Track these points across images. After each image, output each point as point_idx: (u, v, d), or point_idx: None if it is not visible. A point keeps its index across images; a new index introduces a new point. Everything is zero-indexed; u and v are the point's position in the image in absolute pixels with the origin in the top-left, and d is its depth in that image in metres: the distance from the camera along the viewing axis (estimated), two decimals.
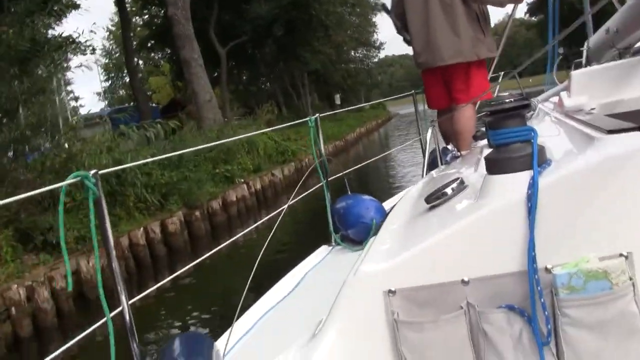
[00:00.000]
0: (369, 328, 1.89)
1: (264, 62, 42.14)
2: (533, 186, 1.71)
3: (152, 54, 49.16)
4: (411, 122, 54.17)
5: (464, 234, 1.82)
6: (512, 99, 1.88)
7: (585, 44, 6.51)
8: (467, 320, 1.77)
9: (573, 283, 1.64)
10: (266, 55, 41.55)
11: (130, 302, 2.19)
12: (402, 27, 5.37)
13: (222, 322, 3.84)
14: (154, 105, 61.24)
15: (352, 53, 75.08)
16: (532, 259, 1.68)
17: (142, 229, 13.34)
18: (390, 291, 1.84)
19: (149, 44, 38.85)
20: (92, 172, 2.00)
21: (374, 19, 79.34)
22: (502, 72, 7.17)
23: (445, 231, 1.87)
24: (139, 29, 44.30)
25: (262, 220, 4.41)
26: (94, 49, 31.76)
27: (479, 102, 5.48)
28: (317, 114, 4.26)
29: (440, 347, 1.79)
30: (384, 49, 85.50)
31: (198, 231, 15.88)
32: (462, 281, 1.77)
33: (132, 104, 66.90)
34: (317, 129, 4.14)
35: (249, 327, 2.82)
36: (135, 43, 38.02)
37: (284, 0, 35.78)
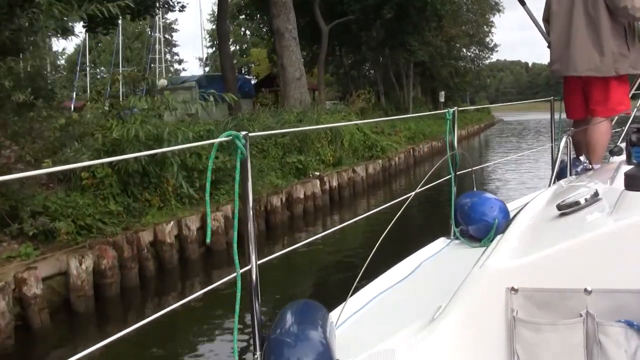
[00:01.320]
0: (488, 321, 1.93)
1: (368, 46, 39.13)
2: None
3: (260, 24, 46.62)
4: (516, 130, 52.01)
5: (595, 244, 1.84)
6: None
7: None
8: (584, 328, 1.80)
9: None
10: (372, 39, 38.57)
11: (259, 262, 2.29)
12: (546, 31, 5.55)
13: (338, 295, 2.95)
14: (250, 77, 59.46)
15: (464, 51, 72.01)
16: None
17: (171, 223, 10.67)
18: (513, 289, 1.87)
19: (247, 11, 36.04)
20: (243, 133, 2.11)
21: (491, 19, 76.23)
22: None
23: (576, 239, 1.89)
24: None
25: (386, 205, 4.04)
26: (183, 6, 29.97)
27: (615, 118, 5.52)
28: (455, 108, 4.21)
29: (554, 350, 1.82)
30: (497, 51, 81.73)
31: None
32: (585, 290, 1.79)
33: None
34: (454, 122, 4.08)
35: (363, 304, 2.87)
36: (233, 8, 35.71)
37: None
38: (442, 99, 61.52)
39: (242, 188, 2.17)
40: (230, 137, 2.09)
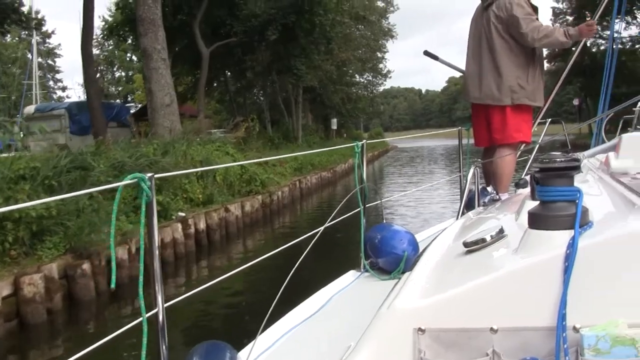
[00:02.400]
0: None
1: (254, 70, 36.88)
2: (572, 246, 1.77)
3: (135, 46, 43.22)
4: (411, 157, 50.86)
5: (500, 283, 1.87)
6: (563, 158, 1.95)
7: (639, 104, 6.79)
8: None
9: (599, 346, 1.68)
10: (257, 63, 36.37)
11: (165, 305, 2.29)
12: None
13: (247, 334, 3.06)
14: (130, 105, 56.21)
15: (357, 77, 70.96)
16: (562, 316, 1.72)
17: None
18: (420, 329, 1.89)
19: (120, 31, 32.93)
20: (148, 175, 2.14)
21: (385, 45, 75.69)
22: (550, 119, 7.10)
23: (482, 278, 1.90)
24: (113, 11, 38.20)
25: (296, 240, 3.89)
26: (39, 23, 27.03)
27: (521, 147, 5.86)
28: (364, 140, 4.31)
29: None
30: (390, 77, 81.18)
31: (83, 293, 10.59)
32: (491, 329, 1.82)
33: (118, 101, 61.98)
34: (363, 154, 4.14)
35: (272, 341, 2.87)
36: (106, 28, 32.66)
37: (285, 0, 30.55)
38: (334, 126, 59.93)
39: (148, 229, 2.20)
40: (136, 180, 2.11)
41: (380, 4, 73.71)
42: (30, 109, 34.75)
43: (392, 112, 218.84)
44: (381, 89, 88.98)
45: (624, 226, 1.95)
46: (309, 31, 31.95)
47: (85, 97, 26.04)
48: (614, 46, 10.56)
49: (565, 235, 1.84)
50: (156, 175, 2.24)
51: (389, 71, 79.90)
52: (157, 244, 2.25)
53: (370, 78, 77.47)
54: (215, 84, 42.36)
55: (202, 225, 15.40)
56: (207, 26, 32.14)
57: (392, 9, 75.81)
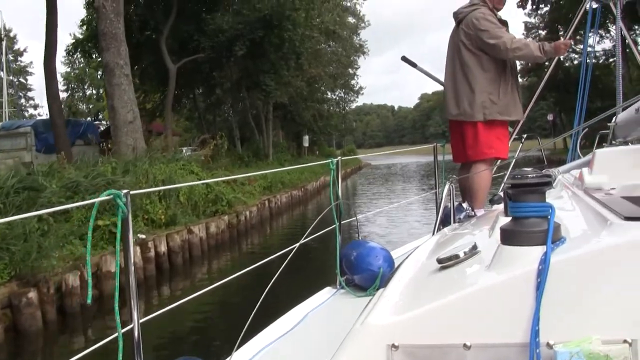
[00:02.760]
0: None
1: (222, 87, 36.15)
2: (545, 262, 1.75)
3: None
4: (384, 175, 50.37)
5: (473, 299, 1.85)
6: (535, 174, 1.93)
7: (614, 119, 6.73)
8: None
9: None
10: (226, 80, 35.66)
11: (141, 320, 2.34)
12: None
13: (223, 350, 3.12)
14: (99, 122, 55.21)
15: (329, 93, 70.49)
16: (535, 332, 1.70)
17: None
18: (393, 345, 1.86)
19: (85, 47, 31.94)
20: (124, 191, 2.18)
21: (357, 61, 75.39)
22: (525, 135, 7.32)
23: (454, 294, 1.89)
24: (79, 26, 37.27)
25: (272, 257, 4.03)
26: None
27: (497, 164, 5.96)
28: (339, 157, 4.25)
29: None
30: (362, 94, 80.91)
31: (30, 323, 9.82)
32: (465, 345, 1.79)
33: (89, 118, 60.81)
34: (338, 171, 4.10)
35: (248, 357, 2.89)
36: (71, 43, 31.74)
37: (252, 14, 29.90)
38: (306, 144, 59.27)
39: (123, 245, 2.24)
40: (111, 196, 2.15)
41: (351, 20, 73.72)
42: None
43: (365, 129, 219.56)
44: (353, 105, 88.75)
45: (597, 242, 1.94)
46: (278, 46, 31.33)
47: (48, 114, 25.13)
48: (588, 60, 10.35)
49: (537, 251, 1.84)
50: (131, 192, 2.26)
51: (360, 87, 79.84)
52: (132, 260, 2.27)
53: (342, 94, 77.17)
54: (184, 101, 41.58)
55: (163, 248, 14.65)
56: (174, 42, 31.47)
57: (363, 25, 76.04)
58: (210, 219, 18.23)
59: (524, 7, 62.39)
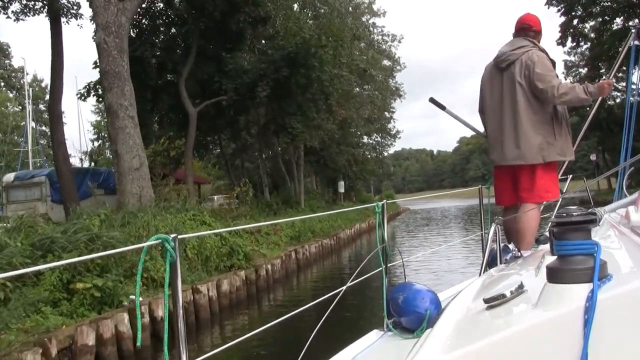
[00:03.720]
0: None
1: (248, 131, 34.24)
2: (592, 299, 1.74)
3: None
4: (424, 219, 48.92)
5: (520, 337, 1.85)
6: (579, 212, 1.95)
7: None
8: None
9: None
10: (252, 123, 33.77)
11: None
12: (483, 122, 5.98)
13: None
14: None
15: (366, 138, 68.72)
16: None
17: None
18: None
19: (98, 90, 30.04)
20: (172, 236, 2.28)
21: (392, 104, 73.65)
22: (571, 175, 7.35)
23: (502, 333, 1.90)
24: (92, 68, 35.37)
25: (320, 299, 4.08)
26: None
27: (543, 204, 5.69)
28: (385, 201, 4.38)
29: None
30: (400, 137, 78.98)
31: None
32: None
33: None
34: (383, 214, 4.13)
35: None
36: (84, 87, 29.96)
37: (276, 53, 28.03)
38: (341, 189, 57.13)
39: (172, 289, 2.33)
40: (160, 241, 2.22)
41: (386, 62, 72.33)
42: (9, 176, 32.20)
43: (404, 173, 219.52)
44: (391, 150, 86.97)
45: None
46: (305, 87, 29.39)
47: (54, 161, 23.41)
48: (632, 99, 9.92)
49: (584, 289, 1.82)
50: (180, 236, 2.33)
51: (397, 131, 77.99)
52: (181, 303, 2.39)
53: (378, 139, 75.32)
54: (211, 147, 39.70)
55: (160, 312, 12.48)
56: (195, 84, 29.66)
57: (398, 67, 74.66)
58: (223, 275, 16.08)
59: (563, 45, 60.66)
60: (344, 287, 3.92)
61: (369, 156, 71.54)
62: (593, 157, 60.70)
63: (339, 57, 30.81)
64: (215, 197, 40.61)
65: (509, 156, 5.49)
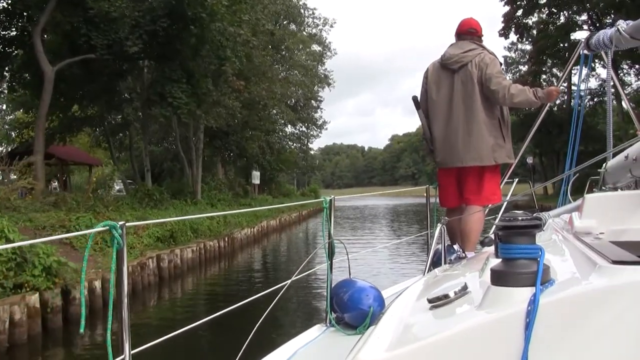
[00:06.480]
0: None
1: (130, 102, 28.01)
2: (534, 303, 1.76)
3: None
4: (350, 218, 43.97)
5: (462, 338, 1.84)
6: (525, 217, 1.96)
7: (604, 165, 7.09)
8: None
9: None
10: (132, 92, 27.57)
11: (133, 351, 2.39)
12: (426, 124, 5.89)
13: None
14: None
15: (289, 127, 63.47)
16: None
17: None
18: None
19: None
20: (120, 223, 2.24)
21: (320, 92, 68.59)
22: (517, 179, 7.42)
23: (444, 333, 1.90)
24: None
25: (264, 292, 3.99)
26: None
27: (488, 207, 5.88)
28: (333, 196, 4.21)
29: None
30: (326, 128, 73.70)
31: None
32: None
33: None
34: (331, 210, 4.08)
35: None
36: None
37: (155, 1, 21.90)
38: (256, 180, 51.23)
39: (117, 276, 2.26)
40: (107, 227, 2.20)
41: (316, 47, 67.68)
42: None
43: (333, 168, 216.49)
44: (319, 142, 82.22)
45: (585, 284, 1.93)
46: (195, 48, 23.38)
47: None
48: (579, 108, 9.76)
49: (526, 292, 1.81)
50: (128, 224, 2.30)
51: (324, 122, 72.56)
52: (126, 291, 2.31)
53: (303, 129, 69.86)
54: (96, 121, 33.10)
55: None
56: (59, 38, 23.45)
57: (329, 53, 70.23)
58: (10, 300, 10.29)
59: (506, 37, 57.94)
60: (289, 281, 3.91)
61: (293, 146, 67.09)
62: (529, 160, 57.23)
63: (239, 13, 24.63)
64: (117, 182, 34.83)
65: (462, 157, 5.47)
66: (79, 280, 12.72)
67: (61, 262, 12.32)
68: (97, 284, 13.38)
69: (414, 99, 5.92)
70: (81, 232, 2.81)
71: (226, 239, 25.33)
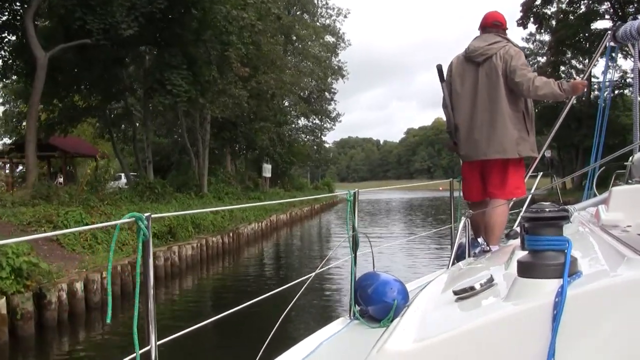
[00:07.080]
0: None
1: (133, 92, 26.68)
2: (561, 294, 1.74)
3: None
4: (367, 211, 42.64)
5: (488, 330, 1.83)
6: (552, 208, 1.94)
7: (630, 158, 6.91)
8: None
9: None
10: (133, 80, 26.22)
11: (159, 342, 2.41)
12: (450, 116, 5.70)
13: None
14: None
15: (302, 120, 62.18)
16: None
17: None
18: None
19: None
20: (146, 215, 2.25)
21: (334, 84, 67.23)
22: (541, 173, 7.27)
23: (470, 324, 1.89)
24: None
25: (287, 285, 3.98)
26: None
27: (513, 200, 5.75)
28: (357, 190, 4.18)
29: None
30: (340, 121, 72.11)
31: None
32: None
33: None
34: (355, 203, 4.07)
35: None
36: None
37: None
38: (267, 174, 49.80)
39: (144, 268, 2.26)
40: (133, 219, 2.19)
41: (330, 38, 66.28)
42: None
43: (349, 162, 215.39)
44: (333, 134, 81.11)
45: (613, 276, 1.94)
46: (197, 32, 22.05)
47: None
48: (604, 103, 9.34)
49: (553, 284, 1.81)
50: (153, 215, 2.32)
51: (338, 114, 71.04)
52: (152, 283, 2.31)
53: (317, 121, 68.39)
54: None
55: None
56: (49, 20, 22.22)
57: (343, 44, 69.04)
58: None
59: (524, 26, 56.13)
60: (312, 274, 3.88)
61: (306, 139, 65.61)
62: (548, 153, 55.57)
63: None
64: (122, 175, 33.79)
65: (485, 150, 5.41)
66: (55, 282, 11.50)
67: (32, 262, 11.03)
68: (79, 285, 12.09)
69: (439, 68, 5.74)
70: (107, 223, 2.53)
71: (232, 234, 24.04)
